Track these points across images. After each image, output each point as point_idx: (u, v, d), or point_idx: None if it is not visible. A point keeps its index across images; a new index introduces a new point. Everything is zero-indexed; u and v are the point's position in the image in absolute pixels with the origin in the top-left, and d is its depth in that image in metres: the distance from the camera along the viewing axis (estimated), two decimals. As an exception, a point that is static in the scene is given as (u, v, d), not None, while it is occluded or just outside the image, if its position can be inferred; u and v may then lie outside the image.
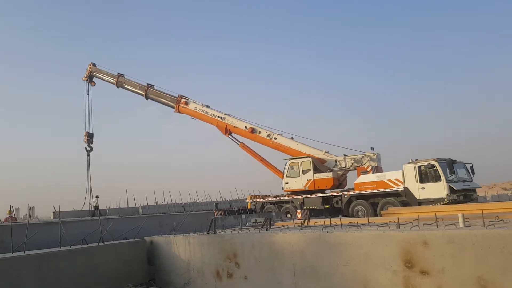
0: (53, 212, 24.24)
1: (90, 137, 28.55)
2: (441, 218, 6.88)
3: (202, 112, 25.38)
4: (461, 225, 5.74)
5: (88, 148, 28.54)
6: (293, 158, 22.72)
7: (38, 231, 8.90)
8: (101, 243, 8.47)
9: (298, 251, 6.60)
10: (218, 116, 24.79)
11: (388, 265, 5.59)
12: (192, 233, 8.71)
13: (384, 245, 5.66)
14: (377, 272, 5.69)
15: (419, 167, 18.11)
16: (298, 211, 20.95)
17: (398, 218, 6.89)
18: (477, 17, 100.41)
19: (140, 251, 8.93)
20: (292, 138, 23.40)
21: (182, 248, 8.41)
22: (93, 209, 26.30)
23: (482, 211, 6.19)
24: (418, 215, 7.28)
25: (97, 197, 27.29)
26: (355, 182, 20.27)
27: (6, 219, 17.05)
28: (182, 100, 26.04)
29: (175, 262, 8.53)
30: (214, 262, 7.80)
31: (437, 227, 5.88)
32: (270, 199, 23.72)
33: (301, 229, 7.22)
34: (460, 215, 5.89)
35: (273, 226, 8.88)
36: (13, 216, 18.79)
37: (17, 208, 34.32)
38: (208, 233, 8.31)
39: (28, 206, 19.89)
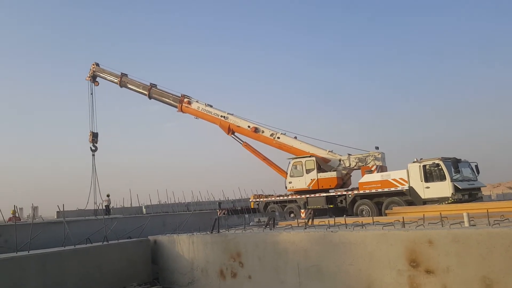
0: (57, 212, 24.31)
1: (94, 136, 28.59)
2: (446, 217, 6.83)
3: (205, 112, 25.38)
4: (466, 224, 5.69)
5: (93, 148, 28.57)
6: (296, 158, 22.66)
7: (42, 230, 8.93)
8: (105, 243, 8.48)
9: (302, 251, 6.58)
10: (221, 116, 24.79)
11: (393, 265, 5.56)
12: (195, 233, 8.70)
13: (389, 245, 5.63)
14: (382, 272, 5.66)
15: (424, 166, 18.03)
16: (302, 210, 20.92)
17: (403, 217, 6.85)
18: (477, 18, 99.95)
19: (144, 250, 8.93)
20: (295, 138, 23.34)
21: (185, 247, 8.41)
22: (104, 207, 26.42)
23: (487, 210, 6.15)
24: (423, 215, 7.23)
25: (108, 196, 27.41)
26: (360, 181, 20.20)
27: (10, 219, 17.08)
28: (185, 100, 26.05)
29: (179, 261, 8.52)
30: (218, 261, 7.78)
31: (442, 226, 5.84)
32: (273, 198, 23.68)
33: (305, 228, 7.20)
34: (465, 214, 5.84)
35: (277, 226, 8.86)
36: (17, 216, 18.82)
37: (20, 208, 34.41)
38: (211, 233, 8.30)
39: (32, 206, 19.93)
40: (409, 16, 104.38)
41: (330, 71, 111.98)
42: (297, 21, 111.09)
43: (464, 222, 5.79)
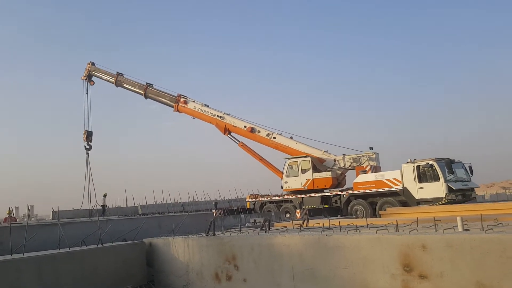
0: (53, 212, 24.23)
1: (89, 135, 28.47)
2: (439, 220, 6.88)
3: (201, 112, 25.39)
4: (459, 228, 5.74)
5: (87, 147, 28.45)
6: (292, 158, 22.74)
7: (37, 232, 8.90)
8: (100, 245, 8.46)
9: (297, 254, 6.60)
10: (218, 116, 24.80)
11: (387, 269, 5.59)
12: (191, 235, 8.70)
13: (383, 249, 5.67)
14: (376, 276, 5.70)
15: (418, 166, 18.14)
16: (298, 210, 21.00)
17: (397, 220, 6.90)
18: (477, 17, 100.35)
19: (139, 253, 8.92)
20: (291, 138, 23.44)
21: (181, 250, 8.41)
22: (100, 207, 26.40)
23: (481, 215, 6.19)
24: (417, 218, 7.28)
25: (104, 195, 27.35)
26: (354, 181, 20.31)
27: (5, 219, 17.02)
28: (181, 99, 26.04)
29: (174, 264, 8.52)
30: (213, 264, 7.80)
31: (436, 230, 5.88)
32: (269, 198, 23.75)
33: (300, 231, 7.22)
34: (458, 218, 5.89)
35: (272, 228, 8.88)
36: (12, 216, 18.76)
37: (16, 207, 34.35)
38: (207, 235, 8.31)
39: (28, 206, 19.81)
40: (407, 14, 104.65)
41: (326, 70, 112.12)
42: (295, 19, 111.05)
43: (457, 226, 5.84)
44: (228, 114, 24.75)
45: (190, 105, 25.76)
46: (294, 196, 22.40)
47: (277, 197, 23.48)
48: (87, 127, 28.45)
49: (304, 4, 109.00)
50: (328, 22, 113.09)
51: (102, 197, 27.20)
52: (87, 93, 28.67)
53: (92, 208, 24.55)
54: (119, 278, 8.29)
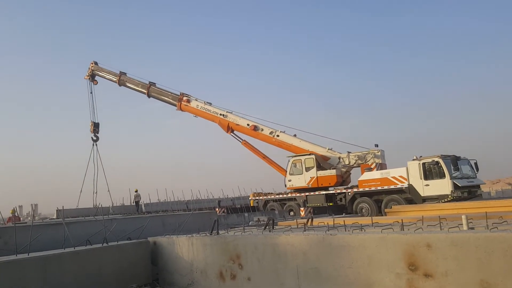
0: (57, 210, 24.31)
1: (96, 126, 28.42)
2: (444, 218, 6.85)
3: (204, 110, 25.40)
4: (464, 227, 5.70)
5: (95, 138, 28.36)
6: (296, 156, 22.70)
7: (42, 232, 8.93)
8: (105, 244, 8.48)
9: (301, 253, 6.59)
10: (220, 114, 24.79)
11: (392, 268, 5.57)
12: (195, 234, 8.71)
13: (388, 248, 5.64)
14: (380, 275, 5.67)
15: (423, 164, 18.07)
16: (302, 208, 20.97)
17: (402, 219, 6.86)
18: (476, 15, 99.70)
19: (143, 251, 8.94)
20: (295, 135, 23.37)
21: (185, 248, 8.42)
22: (133, 203, 26.51)
23: (486, 213, 6.16)
24: (422, 216, 7.25)
25: (136, 191, 27.42)
26: (359, 179, 20.25)
27: (9, 219, 17.10)
28: (184, 98, 26.04)
29: (178, 262, 8.54)
30: (217, 263, 7.80)
31: (441, 229, 5.85)
32: (273, 196, 23.72)
33: (304, 230, 7.20)
34: (463, 216, 5.85)
35: (276, 226, 8.87)
36: (16, 215, 18.84)
37: (20, 206, 34.50)
38: (211, 234, 8.31)
39: (32, 206, 19.83)
40: (407, 12, 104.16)
41: (329, 68, 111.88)
42: (296, 19, 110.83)
43: (462, 224, 5.80)
44: (231, 112, 24.75)
45: (193, 104, 25.77)
46: (298, 194, 22.37)
47: (280, 195, 23.45)
48: (94, 118, 28.47)
49: (309, 4, 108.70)
50: (331, 22, 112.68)
51: (134, 192, 27.39)
52: (91, 93, 28.73)
53: (97, 206, 24.58)
54: (124, 277, 8.31)
